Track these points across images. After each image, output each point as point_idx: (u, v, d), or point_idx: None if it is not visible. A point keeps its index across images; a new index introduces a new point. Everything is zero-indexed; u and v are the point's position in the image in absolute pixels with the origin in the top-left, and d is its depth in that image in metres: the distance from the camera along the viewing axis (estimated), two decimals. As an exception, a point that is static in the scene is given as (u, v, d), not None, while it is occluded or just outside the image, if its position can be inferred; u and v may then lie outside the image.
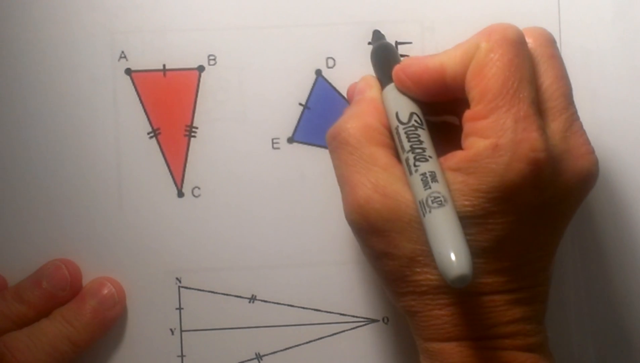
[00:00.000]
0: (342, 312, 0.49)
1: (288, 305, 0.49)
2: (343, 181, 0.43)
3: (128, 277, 0.48)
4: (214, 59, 0.48)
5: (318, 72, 0.49)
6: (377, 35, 0.48)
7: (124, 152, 0.48)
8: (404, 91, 0.43)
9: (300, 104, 0.49)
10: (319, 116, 0.49)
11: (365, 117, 0.43)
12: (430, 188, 0.39)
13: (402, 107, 0.42)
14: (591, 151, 0.42)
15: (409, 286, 0.41)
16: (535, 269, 0.42)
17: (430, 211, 0.38)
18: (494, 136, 0.39)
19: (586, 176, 0.41)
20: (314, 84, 0.49)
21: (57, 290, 0.47)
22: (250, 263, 0.49)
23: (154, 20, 0.48)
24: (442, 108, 0.45)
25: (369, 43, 0.48)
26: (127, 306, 0.48)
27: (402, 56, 0.47)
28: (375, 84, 0.45)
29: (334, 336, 0.49)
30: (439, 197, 0.38)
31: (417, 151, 0.40)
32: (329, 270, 0.49)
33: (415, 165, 0.40)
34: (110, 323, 0.48)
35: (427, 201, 0.39)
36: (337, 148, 0.43)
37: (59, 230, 0.48)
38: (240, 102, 0.48)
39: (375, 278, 0.47)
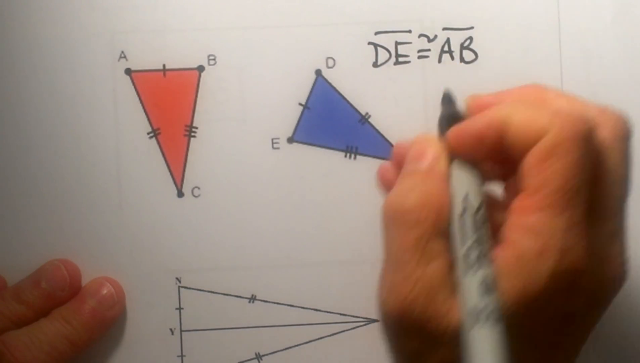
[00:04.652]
0: (342, 312, 0.49)
1: (288, 305, 0.49)
2: (391, 262, 0.38)
3: (128, 277, 0.48)
4: (214, 59, 0.48)
5: (318, 72, 0.48)
6: (447, 99, 0.42)
7: (124, 152, 0.48)
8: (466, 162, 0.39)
9: (300, 104, 0.49)
10: (319, 116, 0.49)
11: (438, 200, 0.38)
12: (488, 298, 0.35)
13: (473, 187, 0.38)
14: (626, 261, 0.39)
15: None
16: None
17: (482, 326, 0.35)
18: (542, 236, 0.36)
19: (618, 285, 0.39)
20: (314, 84, 0.49)
21: (56, 290, 0.47)
22: (250, 263, 0.48)
23: (153, 20, 0.48)
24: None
25: (442, 101, 0.43)
26: (127, 306, 0.48)
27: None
28: (443, 154, 0.40)
29: (334, 336, 0.49)
30: (496, 312, 0.35)
31: (482, 248, 0.36)
32: (329, 270, 0.49)
33: (476, 265, 0.36)
34: (109, 323, 0.47)
35: (480, 313, 0.35)
36: (394, 225, 0.38)
37: (59, 230, 0.48)
38: (240, 102, 0.48)
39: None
